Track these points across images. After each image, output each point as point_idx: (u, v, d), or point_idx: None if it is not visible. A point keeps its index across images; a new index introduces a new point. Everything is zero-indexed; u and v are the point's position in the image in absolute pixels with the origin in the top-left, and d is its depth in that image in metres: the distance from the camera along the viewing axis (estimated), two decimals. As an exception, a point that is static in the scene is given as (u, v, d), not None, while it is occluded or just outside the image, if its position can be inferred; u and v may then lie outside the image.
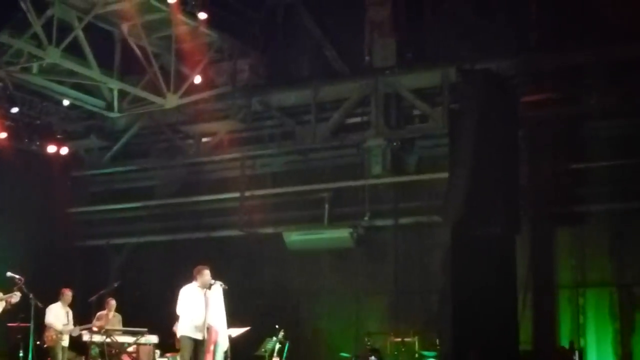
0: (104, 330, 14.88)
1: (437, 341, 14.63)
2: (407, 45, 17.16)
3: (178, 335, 12.33)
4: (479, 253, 13.36)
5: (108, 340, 14.67)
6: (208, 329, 12.31)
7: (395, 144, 16.93)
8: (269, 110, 18.03)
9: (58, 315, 14.84)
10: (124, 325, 15.65)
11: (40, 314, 14.23)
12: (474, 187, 13.67)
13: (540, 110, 15.58)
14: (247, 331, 14.48)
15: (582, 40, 15.41)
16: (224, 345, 12.89)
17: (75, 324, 15.07)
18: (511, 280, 13.89)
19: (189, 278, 12.51)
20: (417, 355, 14.90)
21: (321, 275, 16.88)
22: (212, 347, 12.49)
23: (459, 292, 13.59)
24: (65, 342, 14.91)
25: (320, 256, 17.06)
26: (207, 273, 12.33)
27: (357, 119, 17.38)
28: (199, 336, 12.17)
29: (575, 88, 15.60)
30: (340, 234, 16.88)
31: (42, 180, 18.43)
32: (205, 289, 12.32)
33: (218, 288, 12.45)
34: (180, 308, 12.30)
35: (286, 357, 15.68)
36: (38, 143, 18.10)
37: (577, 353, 14.69)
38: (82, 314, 15.28)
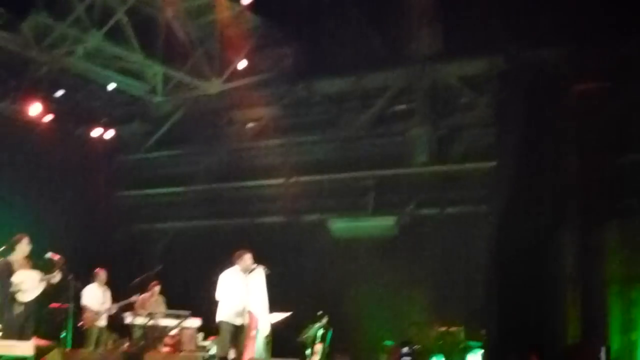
0: (146, 313, 14.87)
1: (483, 332, 14.44)
2: (454, 33, 16.91)
3: (217, 320, 12.25)
4: (525, 245, 13.18)
5: (150, 323, 14.67)
6: (249, 314, 12.24)
7: (440, 132, 16.73)
8: (313, 97, 17.91)
9: (94, 296, 14.84)
10: (167, 309, 15.65)
11: (80, 296, 14.28)
12: (521, 178, 13.49)
13: (590, 101, 15.24)
14: (289, 317, 14.40)
15: (633, 30, 15.07)
16: (265, 331, 12.82)
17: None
18: (558, 273, 13.67)
19: (231, 263, 12.45)
20: (462, 346, 14.73)
21: (365, 263, 16.71)
22: (253, 333, 12.43)
23: (504, 284, 13.41)
24: (103, 322, 14.92)
25: (364, 244, 16.89)
26: (248, 257, 12.24)
27: (402, 107, 17.20)
28: (238, 322, 12.08)
29: (627, 78, 15.26)
30: (385, 223, 16.75)
31: (86, 165, 18.45)
32: (246, 274, 12.25)
33: (260, 273, 12.36)
34: (219, 293, 12.21)
35: (329, 344, 15.61)
36: (82, 127, 18.16)
37: (603, 350, 14.33)
38: (124, 298, 15.28)
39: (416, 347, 5.22)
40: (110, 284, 15.24)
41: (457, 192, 16.51)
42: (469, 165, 16.40)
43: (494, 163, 14.87)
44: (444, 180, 16.69)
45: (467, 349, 14.61)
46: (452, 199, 16.54)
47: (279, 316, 14.38)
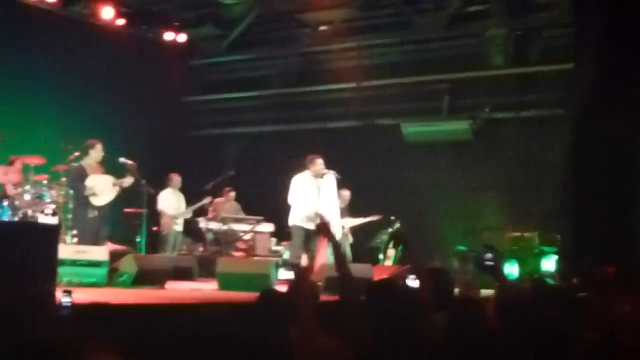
0: (220, 217, 15.02)
1: (558, 237, 14.24)
2: None
3: (290, 224, 12.29)
4: (602, 149, 12.84)
5: (224, 227, 14.82)
6: (320, 218, 12.24)
7: (517, 33, 16.27)
8: (387, -1, 17.53)
9: (169, 201, 15.02)
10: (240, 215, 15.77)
11: (153, 201, 14.44)
12: (599, 80, 13.05)
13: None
14: (361, 222, 14.40)
15: None
16: (336, 235, 12.82)
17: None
18: (638, 179, 13.29)
19: (302, 168, 12.42)
20: (536, 251, 14.57)
21: (438, 168, 16.51)
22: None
23: (581, 189, 13.14)
24: (179, 226, 15.12)
25: (438, 148, 16.67)
26: (319, 162, 12.20)
27: (478, 7, 16.72)
28: (311, 226, 12.12)
29: None
30: (459, 126, 16.46)
31: (158, 69, 18.44)
32: (318, 179, 12.22)
33: (331, 178, 12.33)
34: (292, 197, 12.24)
35: (402, 249, 15.58)
36: (155, 31, 18.13)
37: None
38: (198, 202, 15.42)
39: (488, 255, 5.09)
40: (183, 189, 15.39)
41: (533, 95, 16.10)
42: (546, 67, 15.92)
43: (572, 64, 14.40)
44: (520, 83, 16.27)
45: (541, 255, 14.46)
46: (528, 102, 16.14)
47: (352, 221, 14.39)
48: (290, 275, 13.01)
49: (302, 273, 5.61)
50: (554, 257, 14.20)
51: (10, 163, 13.19)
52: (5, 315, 3.67)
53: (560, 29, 15.69)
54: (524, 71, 16.28)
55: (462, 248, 15.05)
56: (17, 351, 2.49)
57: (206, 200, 15.34)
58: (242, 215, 15.67)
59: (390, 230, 15.02)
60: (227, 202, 15.94)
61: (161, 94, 18.56)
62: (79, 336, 3.93)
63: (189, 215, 15.22)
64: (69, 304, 5.13)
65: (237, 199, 16.11)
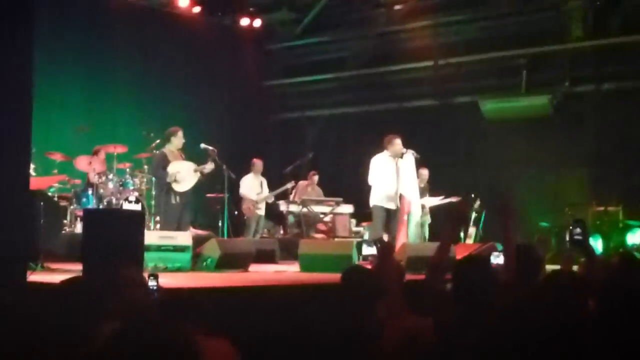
0: (300, 200, 15.10)
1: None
2: None
3: (371, 205, 12.29)
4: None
5: (304, 210, 14.89)
6: (401, 198, 12.24)
7: (597, 3, 15.94)
8: (462, -25, 17.34)
9: (251, 186, 15.14)
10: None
11: (235, 185, 14.57)
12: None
13: None
14: (442, 202, 14.34)
15: None
16: (416, 214, 12.82)
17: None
18: None
19: (381, 148, 12.41)
20: (621, 225, 14.34)
21: (518, 145, 16.29)
22: (405, 217, 12.44)
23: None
24: (262, 211, 15.22)
25: (518, 125, 16.45)
26: (398, 142, 12.17)
27: (555, -21, 16.44)
28: (391, 206, 12.12)
29: None
30: (538, 102, 16.22)
31: (236, 54, 18.61)
32: (396, 158, 12.19)
33: (410, 157, 12.30)
34: (372, 178, 12.24)
35: (482, 227, 15.49)
36: (231, 17, 18.26)
37: None
38: (279, 186, 15.53)
39: (577, 230, 5.00)
40: (265, 173, 15.50)
41: (614, 67, 15.78)
42: (627, 38, 15.55)
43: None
44: (601, 55, 15.95)
45: (627, 229, 14.22)
46: (610, 74, 15.83)
47: (432, 201, 14.35)
48: (373, 250, 13.01)
49: (386, 248, 5.56)
50: (640, 231, 13.97)
51: (95, 153, 13.44)
52: (98, 298, 3.76)
53: (641, -2, 15.34)
54: (605, 43, 15.91)
55: (544, 224, 14.89)
56: (114, 335, 2.55)
57: (289, 185, 15.45)
58: (320, 197, 15.73)
59: (471, 208, 14.94)
60: (310, 185, 16.02)
61: (239, 80, 18.70)
62: (171, 318, 4.02)
63: (270, 199, 15.31)
64: (155, 288, 5.22)
65: (319, 181, 16.18)
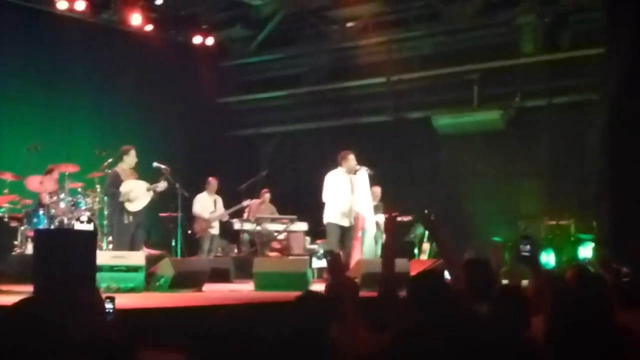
0: (254, 218, 15.04)
1: (594, 224, 14.12)
2: None
3: (325, 222, 12.26)
4: (638, 133, 12.71)
5: (258, 228, 14.83)
6: (355, 215, 12.21)
7: (547, 19, 16.12)
8: (414, -9, 17.44)
9: (204, 204, 15.02)
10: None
11: (188, 204, 14.46)
12: (632, 63, 12.91)
13: None
14: (396, 217, 14.33)
15: None
16: (371, 231, 12.79)
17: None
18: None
19: (335, 165, 12.39)
20: (572, 239, 14.46)
21: (471, 159, 16.41)
22: (359, 234, 12.42)
23: (617, 174, 13.01)
24: (215, 230, 15.10)
25: (471, 139, 16.56)
26: (352, 158, 12.15)
27: (507, -5, 16.61)
28: (345, 223, 12.10)
29: None
30: (491, 116, 16.35)
31: (189, 72, 18.53)
32: (350, 175, 12.18)
33: (364, 174, 12.29)
34: (326, 194, 12.20)
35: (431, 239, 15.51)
36: (184, 34, 18.20)
37: None
38: (233, 204, 15.44)
39: (527, 247, 5.01)
40: (218, 190, 15.40)
41: (565, 81, 15.94)
42: (577, 53, 15.75)
43: (603, 49, 14.27)
44: (552, 69, 16.11)
45: (578, 242, 14.34)
46: (561, 88, 16.00)
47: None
48: (322, 263, 13.01)
49: (335, 260, 5.53)
50: (591, 245, 14.08)
51: (48, 172, 13.28)
52: (53, 320, 3.68)
53: (590, 13, 15.52)
54: (555, 57, 16.09)
55: (497, 239, 14.96)
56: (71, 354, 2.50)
57: (245, 203, 15.38)
58: (275, 215, 15.68)
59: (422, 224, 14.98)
60: (262, 203, 15.96)
61: (193, 97, 18.64)
62: (126, 339, 3.95)
63: (225, 218, 15.21)
64: (112, 310, 5.15)
65: (272, 199, 16.12)
